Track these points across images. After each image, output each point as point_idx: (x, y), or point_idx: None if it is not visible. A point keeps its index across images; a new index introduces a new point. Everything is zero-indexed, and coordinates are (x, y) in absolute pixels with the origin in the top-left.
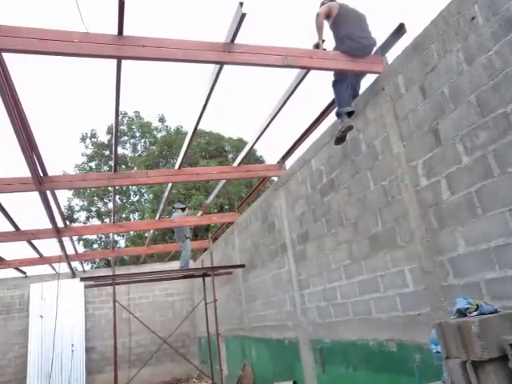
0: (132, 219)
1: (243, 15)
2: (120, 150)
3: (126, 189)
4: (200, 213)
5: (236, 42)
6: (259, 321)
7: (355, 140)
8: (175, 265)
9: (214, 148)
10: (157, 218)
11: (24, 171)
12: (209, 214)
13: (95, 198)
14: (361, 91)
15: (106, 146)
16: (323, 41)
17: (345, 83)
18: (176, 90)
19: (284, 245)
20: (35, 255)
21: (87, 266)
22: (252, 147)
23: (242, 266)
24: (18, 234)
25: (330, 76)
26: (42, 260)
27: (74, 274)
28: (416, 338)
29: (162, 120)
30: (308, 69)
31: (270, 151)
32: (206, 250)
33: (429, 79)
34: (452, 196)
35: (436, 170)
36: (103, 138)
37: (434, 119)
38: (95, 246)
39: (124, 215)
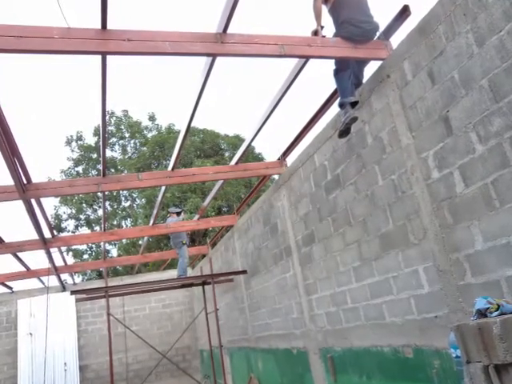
0: (124, 226)
1: (235, 2)
2: (108, 153)
3: (116, 194)
4: (197, 217)
5: (229, 31)
6: (264, 330)
7: (360, 132)
8: (172, 273)
9: (209, 146)
10: (150, 223)
11: (6, 179)
12: (206, 218)
13: (84, 204)
14: (365, 79)
15: (94, 149)
16: (322, 27)
17: (347, 72)
18: (167, 85)
19: (288, 247)
20: (22, 269)
21: (78, 279)
22: (250, 144)
23: (244, 272)
24: (2, 247)
25: (331, 64)
26: (30, 273)
27: (64, 288)
28: (433, 343)
29: (152, 118)
30: (307, 58)
31: (270, 148)
32: (204, 256)
33: (437, 64)
34: (466, 188)
35: (448, 161)
36: (90, 140)
37: (445, 107)
38: (85, 256)
39: (115, 222)
